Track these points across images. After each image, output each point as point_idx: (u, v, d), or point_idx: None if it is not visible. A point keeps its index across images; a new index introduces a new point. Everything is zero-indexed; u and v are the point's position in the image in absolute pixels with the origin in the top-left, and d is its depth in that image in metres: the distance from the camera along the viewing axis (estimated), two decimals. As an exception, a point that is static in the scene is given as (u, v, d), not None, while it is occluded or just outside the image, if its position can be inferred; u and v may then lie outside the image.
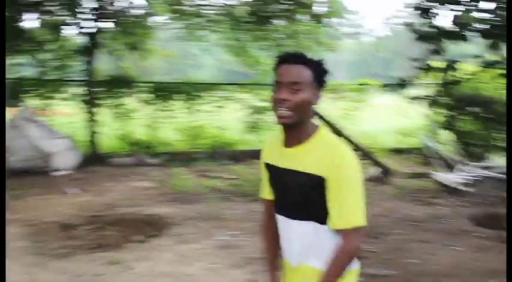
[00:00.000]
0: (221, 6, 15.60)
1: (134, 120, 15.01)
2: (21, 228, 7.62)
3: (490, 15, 8.75)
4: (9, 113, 13.62)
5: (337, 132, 12.02)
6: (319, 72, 2.51)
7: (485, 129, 12.34)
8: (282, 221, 2.66)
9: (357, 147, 11.22)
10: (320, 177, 2.43)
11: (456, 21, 8.92)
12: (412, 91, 12.36)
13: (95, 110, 14.35)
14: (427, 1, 9.40)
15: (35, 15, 14.67)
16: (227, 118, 15.86)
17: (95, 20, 14.43)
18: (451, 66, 9.95)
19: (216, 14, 15.76)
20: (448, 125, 12.91)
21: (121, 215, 8.39)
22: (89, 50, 14.42)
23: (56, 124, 14.26)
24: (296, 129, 2.51)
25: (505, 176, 9.95)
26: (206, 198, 9.62)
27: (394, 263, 6.30)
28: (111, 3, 14.81)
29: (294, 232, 2.59)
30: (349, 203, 2.44)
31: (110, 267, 6.07)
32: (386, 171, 11.31)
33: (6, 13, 14.15)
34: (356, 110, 15.95)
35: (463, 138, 12.74)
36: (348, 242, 2.46)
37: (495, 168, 10.80)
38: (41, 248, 6.80)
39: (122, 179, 11.55)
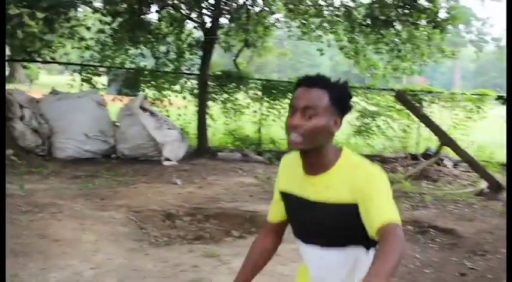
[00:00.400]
0: (339, 7, 15.50)
1: (244, 116, 15.21)
2: (126, 213, 7.90)
3: None
4: (126, 101, 14.19)
5: (447, 142, 11.68)
6: (339, 96, 2.34)
7: None
8: (312, 250, 2.47)
9: (464, 159, 10.85)
10: (352, 204, 2.29)
11: None
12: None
13: (206, 103, 14.67)
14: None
15: (157, 8, 15.16)
16: (337, 120, 15.75)
17: (213, 16, 14.72)
18: None
19: (334, 15, 15.68)
20: None
21: (222, 209, 8.52)
22: (205, 44, 14.75)
23: (169, 115, 14.71)
24: (315, 156, 2.35)
25: None
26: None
27: (496, 284, 6.04)
28: (229, 0, 15.06)
29: (333, 261, 2.42)
30: (381, 206, 2.22)
31: (206, 260, 6.18)
32: (495, 186, 10.83)
33: (134, 6, 14.76)
34: (470, 121, 15.43)
35: None
36: (391, 235, 2.11)
37: None
38: (143, 234, 7.03)
39: (226, 173, 11.73)
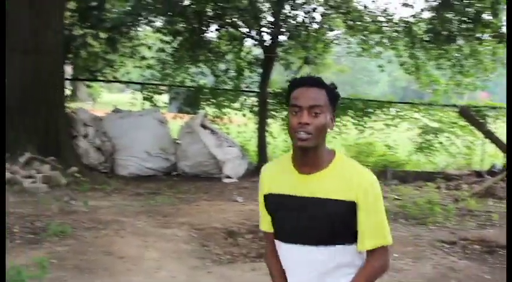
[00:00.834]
0: (398, 22, 15.33)
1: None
2: (188, 231, 7.91)
3: None
4: (187, 119, 14.32)
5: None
6: (334, 96, 2.49)
7: None
8: (300, 250, 2.53)
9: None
10: (351, 202, 2.43)
11: None
12: None
13: (266, 120, 14.67)
14: None
15: (217, 27, 15.31)
16: (397, 137, 15.55)
17: (273, 33, 14.75)
18: None
19: (393, 31, 15.52)
20: None
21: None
22: (264, 62, 14.78)
23: (229, 132, 14.76)
24: (314, 154, 2.45)
25: None
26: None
27: None
28: (288, 17, 15.07)
29: (318, 258, 2.51)
30: (378, 224, 2.47)
31: (269, 278, 6.10)
32: None
33: (194, 25, 14.94)
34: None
35: None
36: (374, 263, 2.51)
37: None
38: (205, 252, 7.02)
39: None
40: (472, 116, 12.42)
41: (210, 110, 15.19)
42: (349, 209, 2.44)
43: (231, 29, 15.48)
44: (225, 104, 15.34)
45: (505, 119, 15.19)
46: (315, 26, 15.55)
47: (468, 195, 11.77)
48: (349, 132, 15.43)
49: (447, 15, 14.03)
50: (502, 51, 14.47)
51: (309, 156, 2.45)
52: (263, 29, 14.87)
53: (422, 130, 15.23)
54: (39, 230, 7.43)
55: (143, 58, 16.43)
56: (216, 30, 15.46)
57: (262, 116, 14.64)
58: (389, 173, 14.12)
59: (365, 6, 15.43)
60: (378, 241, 2.48)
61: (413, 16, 15.15)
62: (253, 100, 15.36)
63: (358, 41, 16.26)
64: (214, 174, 12.74)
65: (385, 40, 15.75)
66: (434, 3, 14.54)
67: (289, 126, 2.44)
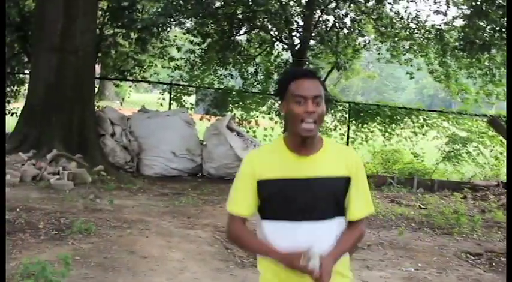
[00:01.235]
0: (430, 30, 15.21)
1: (331, 138, 15.09)
2: (212, 233, 7.91)
3: None
4: (213, 120, 14.34)
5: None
6: (324, 87, 2.74)
7: None
8: (301, 226, 2.68)
9: None
10: (347, 177, 2.70)
11: None
12: None
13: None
14: None
15: (247, 30, 15.34)
16: (424, 145, 15.41)
17: (303, 37, 14.72)
18: None
19: (425, 38, 15.40)
20: None
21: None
22: (293, 66, 14.75)
23: (255, 135, 14.75)
24: (313, 138, 2.68)
25: None
26: (396, 225, 9.36)
27: None
28: (319, 21, 15.03)
29: (324, 232, 2.69)
30: (366, 195, 2.79)
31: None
32: None
33: (224, 27, 14.99)
34: None
35: None
36: (362, 227, 2.82)
37: None
38: (228, 255, 6.99)
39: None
40: (502, 126, 12.20)
41: (237, 113, 15.19)
42: (346, 184, 2.70)
43: (261, 32, 15.48)
44: (253, 107, 15.33)
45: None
46: (345, 31, 15.50)
47: (495, 207, 11.62)
48: (375, 139, 15.33)
49: (480, 23, 13.86)
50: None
51: (308, 141, 2.66)
52: (293, 33, 14.84)
53: (450, 139, 15.06)
54: (63, 227, 7.47)
55: (172, 59, 16.50)
56: (246, 33, 15.48)
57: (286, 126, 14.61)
58: (415, 181, 14.00)
59: (396, 13, 15.33)
60: (367, 210, 2.79)
61: (446, 23, 15.01)
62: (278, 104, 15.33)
63: (388, 48, 16.17)
64: (239, 176, 12.72)
65: (415, 47, 15.64)
66: (467, 11, 14.39)
67: (291, 114, 2.62)
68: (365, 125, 15.14)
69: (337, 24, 15.11)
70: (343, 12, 15.20)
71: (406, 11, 15.55)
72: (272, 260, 2.72)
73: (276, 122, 15.31)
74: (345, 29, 15.34)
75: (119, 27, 15.22)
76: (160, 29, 14.95)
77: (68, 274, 5.06)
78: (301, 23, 14.96)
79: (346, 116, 15.18)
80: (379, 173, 14.86)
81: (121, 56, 15.99)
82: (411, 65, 16.48)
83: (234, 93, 15.64)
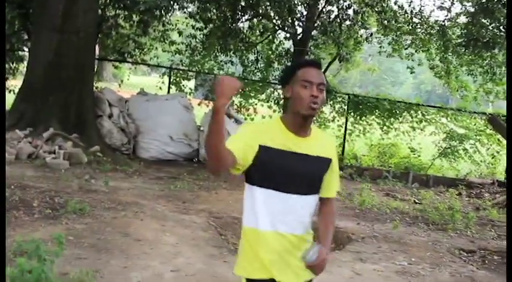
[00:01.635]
0: (433, 25, 15.15)
1: (328, 129, 15.07)
2: (207, 219, 7.89)
3: None
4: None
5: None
6: (325, 78, 3.03)
7: None
8: (292, 197, 2.92)
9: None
10: (330, 159, 3.04)
11: None
12: None
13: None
14: None
15: (249, 17, 15.25)
16: (421, 140, 15.41)
17: (305, 27, 14.65)
18: None
19: (427, 33, 15.34)
20: None
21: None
22: (294, 55, 14.70)
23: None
24: (310, 121, 2.97)
25: None
26: (390, 219, 9.36)
27: None
28: (322, 12, 14.96)
29: (307, 205, 2.97)
30: (338, 176, 3.17)
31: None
32: None
33: (227, 13, 14.90)
34: None
35: None
36: (334, 205, 3.18)
37: None
38: (222, 241, 6.98)
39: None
40: (502, 125, 12.19)
41: (236, 100, 15.14)
42: (329, 165, 3.04)
43: (263, 20, 15.40)
44: (252, 94, 15.28)
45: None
46: (348, 22, 15.43)
47: (490, 205, 11.63)
48: (373, 131, 15.32)
49: (483, 21, 13.81)
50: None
51: (307, 123, 2.94)
52: (296, 22, 14.77)
53: (447, 135, 15.05)
54: (58, 206, 7.44)
55: (173, 43, 16.41)
56: (249, 20, 15.40)
57: (287, 108, 14.57)
58: (410, 176, 14.01)
59: (400, 7, 15.27)
60: (338, 189, 3.17)
61: (449, 20, 14.96)
62: (280, 92, 15.28)
63: (389, 41, 16.11)
64: (235, 163, 12.69)
65: (417, 42, 15.59)
66: (471, 9, 14.33)
67: (297, 96, 2.87)
68: (363, 118, 15.11)
69: (340, 15, 15.03)
70: (347, 3, 15.13)
71: (410, 5, 15.51)
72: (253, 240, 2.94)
73: (274, 111, 15.27)
74: (348, 20, 15.26)
75: (121, 9, 15.11)
76: (162, 12, 14.84)
77: (62, 254, 5.03)
78: (305, 13, 14.87)
79: (345, 107, 15.14)
80: (375, 166, 14.87)
81: (121, 37, 15.88)
82: (412, 60, 16.44)
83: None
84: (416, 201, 11.43)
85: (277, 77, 15.82)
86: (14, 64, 15.37)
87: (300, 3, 15.09)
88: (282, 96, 15.01)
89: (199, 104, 15.15)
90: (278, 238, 2.91)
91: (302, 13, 15.11)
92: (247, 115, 15.10)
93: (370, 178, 13.46)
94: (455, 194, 12.58)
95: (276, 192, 2.89)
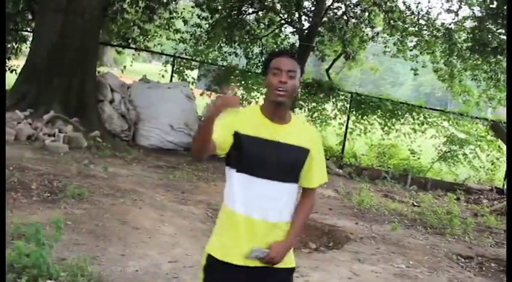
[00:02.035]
0: (439, 28, 15.08)
1: (329, 127, 15.00)
2: (205, 210, 7.87)
3: None
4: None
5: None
6: (301, 67, 3.11)
7: None
8: (266, 183, 2.99)
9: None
10: (308, 149, 3.08)
11: None
12: None
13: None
14: None
15: (256, 9, 15.17)
16: (421, 143, 15.36)
17: (312, 22, 14.57)
18: None
19: (433, 36, 15.28)
20: None
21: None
22: (299, 50, 14.61)
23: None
24: (284, 109, 3.03)
25: None
26: (388, 220, 9.32)
27: None
28: (329, 8, 14.89)
29: (283, 192, 3.04)
30: (323, 167, 3.19)
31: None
32: None
33: (233, 5, 14.82)
34: None
35: None
36: (314, 197, 3.22)
37: None
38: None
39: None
40: (503, 132, 12.19)
41: (239, 92, 15.05)
42: (306, 154, 3.08)
43: (270, 13, 15.32)
44: (254, 87, 15.20)
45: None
46: (354, 20, 15.36)
47: (488, 211, 11.60)
48: (374, 131, 15.27)
49: (491, 26, 13.74)
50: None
51: (280, 109, 3.02)
52: (303, 17, 14.69)
53: (448, 139, 15.00)
54: (56, 190, 7.38)
55: (178, 31, 16.32)
56: (255, 12, 15.31)
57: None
58: (409, 178, 13.97)
59: (408, 7, 15.21)
60: (322, 180, 3.19)
61: (456, 23, 14.89)
62: (282, 87, 15.21)
63: (395, 41, 16.05)
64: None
65: (422, 44, 15.53)
66: (479, 13, 14.26)
67: (269, 84, 2.98)
68: (365, 117, 15.05)
69: (347, 13, 14.95)
70: (355, 1, 15.05)
71: (417, 7, 15.44)
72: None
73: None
74: (355, 18, 15.18)
75: (128, -6, 15.03)
76: (169, -1, 14.77)
77: (60, 238, 4.97)
78: (312, 8, 14.78)
79: (347, 106, 15.06)
80: (374, 166, 14.82)
81: (126, 23, 15.79)
82: (416, 61, 16.39)
83: (237, 71, 15.46)
84: (415, 203, 11.40)
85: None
86: (17, 44, 15.25)
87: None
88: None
89: (201, 94, 15.05)
90: (249, 223, 2.99)
91: (309, 8, 15.01)
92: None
93: (369, 178, 13.42)
94: (453, 199, 12.54)
95: (251, 177, 3.00)
